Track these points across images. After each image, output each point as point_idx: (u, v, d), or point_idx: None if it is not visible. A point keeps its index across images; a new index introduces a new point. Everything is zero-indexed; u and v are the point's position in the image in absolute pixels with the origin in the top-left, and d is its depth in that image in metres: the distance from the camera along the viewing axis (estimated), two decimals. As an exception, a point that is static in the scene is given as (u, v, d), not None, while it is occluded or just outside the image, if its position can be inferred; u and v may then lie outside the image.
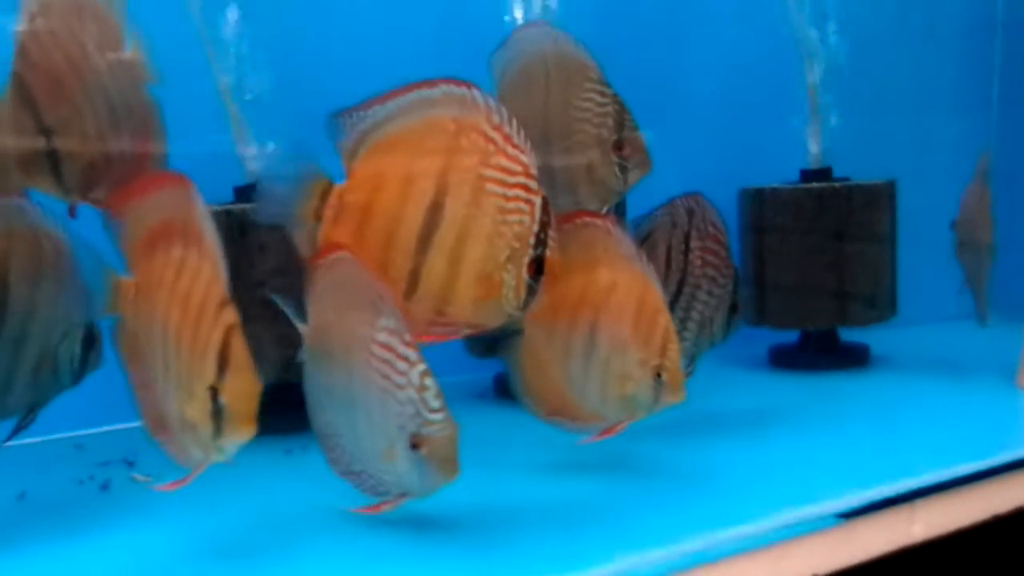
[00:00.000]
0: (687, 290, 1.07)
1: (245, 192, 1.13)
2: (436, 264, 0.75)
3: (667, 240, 1.08)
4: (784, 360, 1.43)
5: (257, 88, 1.10)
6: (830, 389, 1.27)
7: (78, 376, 0.87)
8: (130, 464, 1.05)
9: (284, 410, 1.11)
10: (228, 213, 1.08)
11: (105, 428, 1.21)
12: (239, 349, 0.67)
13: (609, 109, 0.99)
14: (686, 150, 1.49)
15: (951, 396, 1.19)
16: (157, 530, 0.84)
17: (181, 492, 0.93)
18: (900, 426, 1.07)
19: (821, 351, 1.41)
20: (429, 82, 0.74)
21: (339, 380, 0.76)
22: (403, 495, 0.76)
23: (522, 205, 0.75)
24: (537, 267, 0.76)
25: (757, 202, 1.39)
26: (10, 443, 0.87)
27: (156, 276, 0.71)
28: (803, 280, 1.36)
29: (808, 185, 1.38)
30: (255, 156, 1.12)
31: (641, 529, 0.77)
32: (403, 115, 0.75)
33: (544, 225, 0.76)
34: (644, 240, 1.07)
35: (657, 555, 0.72)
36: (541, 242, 0.76)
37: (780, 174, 1.42)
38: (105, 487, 0.98)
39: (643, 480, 0.91)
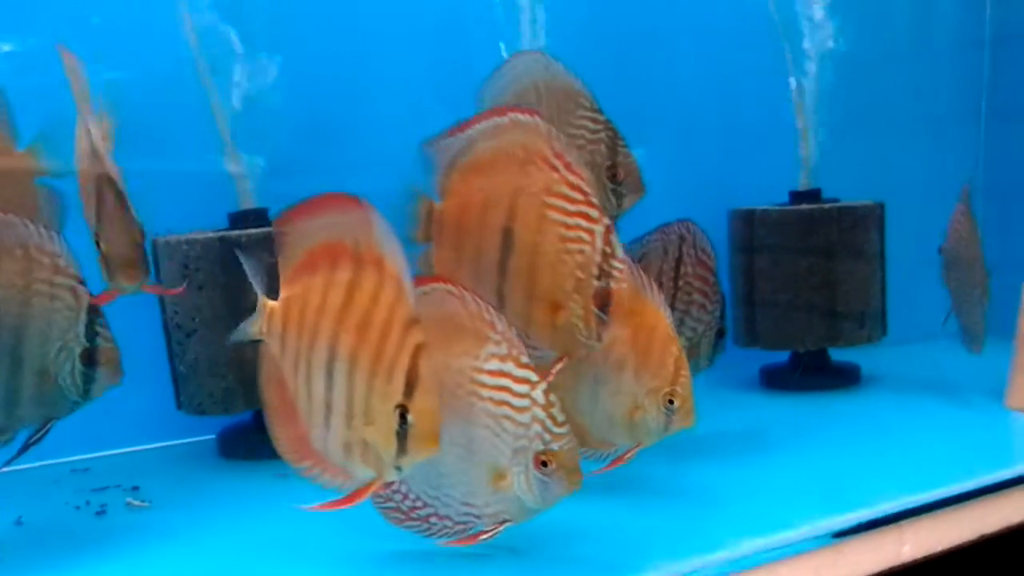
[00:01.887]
0: (676, 316, 1.08)
1: (239, 218, 1.14)
2: (514, 289, 0.76)
3: (658, 265, 1.09)
4: (776, 381, 1.44)
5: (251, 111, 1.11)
6: (821, 409, 1.28)
7: (86, 392, 0.85)
8: (130, 490, 1.05)
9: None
10: (221, 240, 1.09)
11: (103, 453, 1.22)
12: (427, 369, 0.66)
13: (602, 135, 1.00)
14: (678, 171, 1.51)
15: (941, 416, 1.20)
16: (153, 557, 0.84)
17: (178, 519, 0.94)
18: (890, 446, 1.08)
19: (812, 371, 1.42)
20: (499, 110, 0.78)
21: None
22: (504, 522, 0.75)
23: (583, 234, 0.76)
24: (603, 299, 0.77)
25: (747, 223, 1.40)
26: (8, 468, 0.87)
27: (315, 300, 0.69)
28: (793, 301, 1.37)
29: (797, 206, 1.39)
30: (249, 183, 1.13)
31: (631, 550, 0.78)
32: (482, 140, 0.78)
33: (607, 255, 0.77)
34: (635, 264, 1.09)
35: (648, 577, 0.73)
36: (605, 273, 0.77)
37: (772, 195, 1.43)
38: (102, 513, 0.98)
39: (633, 501, 0.92)
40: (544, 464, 0.71)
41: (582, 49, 1.06)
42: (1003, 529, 0.90)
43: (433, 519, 0.77)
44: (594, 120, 0.99)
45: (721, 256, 1.38)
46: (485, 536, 0.75)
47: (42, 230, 0.82)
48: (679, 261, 1.10)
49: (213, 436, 1.21)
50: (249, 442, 1.16)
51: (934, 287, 1.36)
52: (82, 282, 0.83)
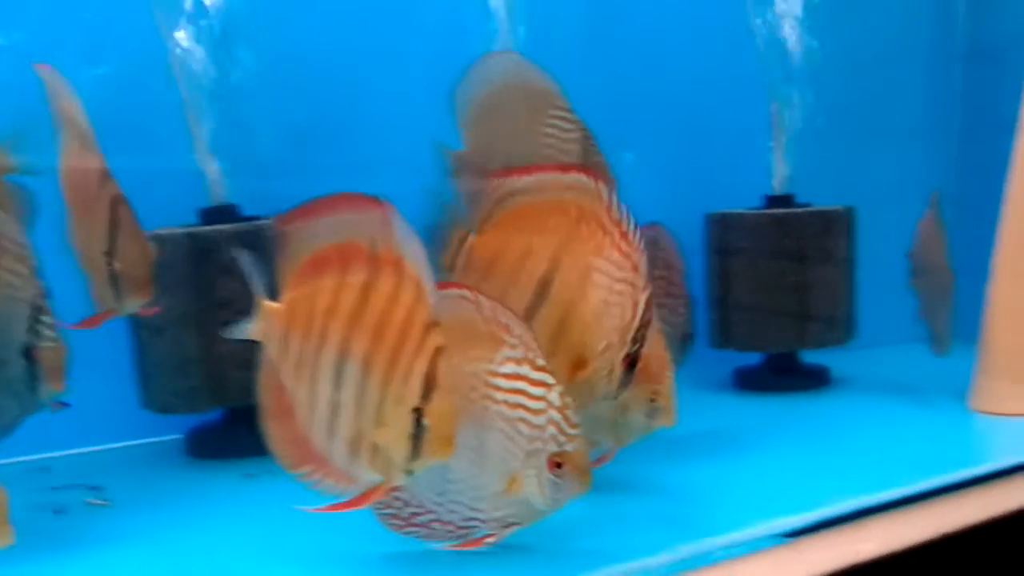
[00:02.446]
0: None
1: (210, 214, 1.13)
2: (538, 336, 0.75)
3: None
4: (748, 382, 1.45)
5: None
6: (791, 410, 1.29)
7: (32, 391, 0.84)
8: (91, 489, 1.03)
9: (245, 433, 1.12)
10: (191, 236, 1.08)
11: (64, 452, 1.20)
12: (446, 372, 0.65)
13: (574, 135, 1.01)
14: (657, 175, 1.52)
15: (906, 417, 1.22)
16: (110, 557, 0.83)
17: (139, 519, 0.93)
18: (855, 446, 1.09)
19: (783, 373, 1.44)
20: (564, 167, 0.81)
21: None
22: (510, 526, 0.75)
23: (625, 301, 0.78)
24: (632, 361, 0.79)
25: (722, 227, 1.41)
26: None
27: (325, 301, 0.67)
28: (766, 303, 1.39)
29: (771, 211, 1.41)
30: (219, 178, 1.12)
31: (589, 548, 0.78)
32: (537, 191, 0.80)
33: (644, 324, 0.79)
34: None
35: (603, 574, 0.73)
36: (638, 339, 0.79)
37: (750, 200, 1.45)
38: (60, 512, 0.96)
39: (597, 500, 0.91)
40: (558, 466, 0.71)
41: (562, 55, 1.07)
42: (964, 528, 0.91)
43: (435, 525, 0.76)
44: (566, 120, 0.99)
45: (697, 259, 1.40)
46: (491, 540, 0.75)
47: (7, 217, 0.81)
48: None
49: (182, 436, 1.20)
50: (217, 441, 1.15)
51: (904, 292, 1.38)
52: (39, 279, 0.82)
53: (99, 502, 0.98)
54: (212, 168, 1.12)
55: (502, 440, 0.72)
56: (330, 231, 0.68)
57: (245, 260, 0.71)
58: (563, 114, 0.99)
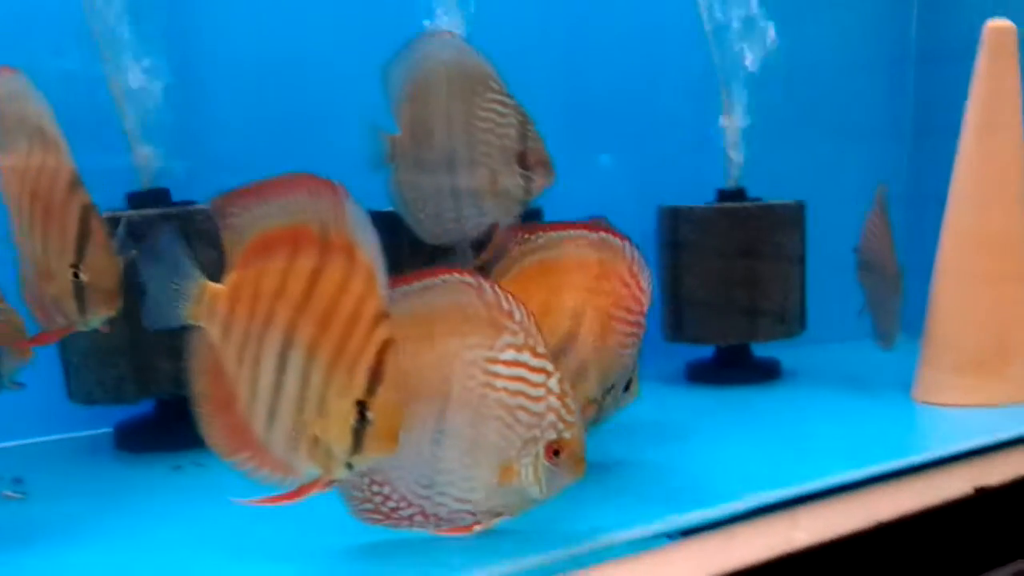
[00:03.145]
0: None
1: (139, 199, 1.10)
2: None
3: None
4: (700, 375, 1.45)
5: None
6: (740, 402, 1.29)
7: None
8: (11, 482, 0.99)
9: (174, 425, 1.09)
10: (115, 220, 1.04)
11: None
12: (394, 366, 0.63)
13: (511, 119, 0.99)
14: (611, 169, 1.51)
15: (851, 408, 1.23)
16: (21, 551, 0.79)
17: (59, 512, 0.89)
18: (800, 436, 1.09)
19: (734, 366, 1.43)
20: (591, 226, 0.87)
21: (425, 416, 0.71)
22: (498, 515, 0.73)
23: (637, 342, 0.88)
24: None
25: (673, 220, 1.41)
26: None
27: (271, 285, 0.65)
28: (717, 297, 1.38)
29: (722, 204, 1.40)
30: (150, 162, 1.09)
31: (527, 535, 0.76)
32: (560, 247, 0.86)
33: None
34: None
35: (537, 560, 0.71)
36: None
37: (705, 195, 1.44)
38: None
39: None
40: (555, 453, 0.70)
41: (515, 49, 1.05)
42: (899, 517, 0.91)
43: (418, 518, 0.74)
44: (503, 104, 0.98)
45: (650, 253, 1.39)
46: (480, 528, 0.73)
47: None
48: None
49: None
50: (146, 434, 1.12)
51: (854, 289, 1.38)
52: None
53: (14, 495, 0.94)
54: (141, 152, 1.09)
55: (499, 428, 0.70)
56: (280, 213, 0.65)
57: (178, 242, 0.69)
58: (500, 98, 0.98)
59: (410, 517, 0.73)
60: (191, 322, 0.69)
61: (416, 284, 0.71)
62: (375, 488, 0.73)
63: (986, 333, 1.17)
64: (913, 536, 0.92)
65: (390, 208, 1.06)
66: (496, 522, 0.74)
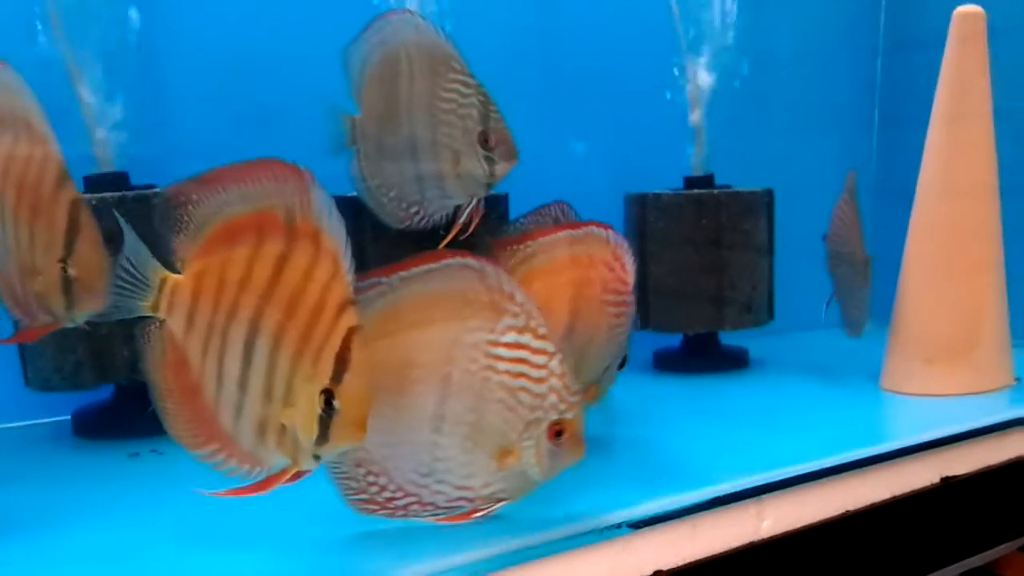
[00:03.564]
0: None
1: (96, 181, 1.07)
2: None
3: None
4: (667, 364, 1.44)
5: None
6: (708, 391, 1.29)
7: None
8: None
9: (131, 412, 1.06)
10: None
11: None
12: (360, 353, 0.62)
13: (473, 100, 0.97)
14: (580, 156, 1.50)
15: (819, 396, 1.22)
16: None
17: (19, 504, 0.87)
18: (766, 425, 1.09)
19: (702, 355, 1.43)
20: (577, 225, 0.91)
21: (425, 403, 0.70)
22: (499, 500, 0.72)
23: (626, 320, 0.92)
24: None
25: (640, 207, 1.40)
26: None
27: (236, 274, 0.64)
28: (685, 285, 1.37)
29: (689, 191, 1.39)
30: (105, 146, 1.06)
31: (494, 524, 0.75)
32: (551, 250, 0.88)
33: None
34: None
35: (500, 547, 0.70)
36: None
37: (672, 182, 1.43)
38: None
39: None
40: (557, 434, 0.70)
41: (488, 38, 1.03)
42: (866, 506, 0.91)
43: (414, 507, 0.72)
44: (465, 84, 0.96)
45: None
46: (480, 514, 0.72)
47: None
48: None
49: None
50: (104, 421, 1.10)
51: (823, 277, 1.38)
52: None
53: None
54: (99, 136, 1.06)
55: (502, 411, 0.70)
56: (243, 199, 0.64)
57: (129, 231, 0.67)
58: (462, 78, 0.96)
59: (406, 506, 0.73)
60: (150, 314, 0.67)
61: (416, 269, 0.70)
62: (371, 479, 0.72)
63: (954, 322, 1.17)
64: (880, 525, 0.92)
65: (352, 193, 1.04)
66: (497, 507, 0.73)
